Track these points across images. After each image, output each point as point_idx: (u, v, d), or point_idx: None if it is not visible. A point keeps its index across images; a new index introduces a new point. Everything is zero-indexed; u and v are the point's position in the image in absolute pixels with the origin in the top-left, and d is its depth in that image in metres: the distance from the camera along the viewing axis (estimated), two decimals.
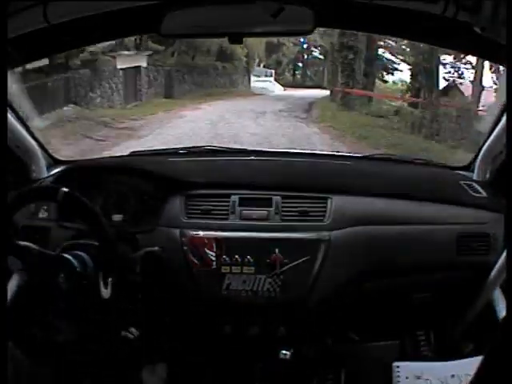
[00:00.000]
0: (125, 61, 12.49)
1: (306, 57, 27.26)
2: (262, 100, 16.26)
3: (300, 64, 27.70)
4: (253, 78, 21.47)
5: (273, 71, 23.90)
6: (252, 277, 1.34)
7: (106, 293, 1.19)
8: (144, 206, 1.47)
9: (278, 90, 21.80)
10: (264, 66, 24.27)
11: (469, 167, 1.64)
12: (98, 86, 11.60)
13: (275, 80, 23.44)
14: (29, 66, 7.02)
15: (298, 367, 1.47)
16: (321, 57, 25.15)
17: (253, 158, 1.66)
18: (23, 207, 1.26)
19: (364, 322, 1.55)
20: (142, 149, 1.93)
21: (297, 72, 27.91)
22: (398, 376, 1.39)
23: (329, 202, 1.43)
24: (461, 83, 15.17)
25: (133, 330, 1.37)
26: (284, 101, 15.54)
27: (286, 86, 23.49)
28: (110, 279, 1.19)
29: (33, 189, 1.39)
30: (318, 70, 26.19)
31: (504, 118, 1.35)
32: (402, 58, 16.75)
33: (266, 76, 23.32)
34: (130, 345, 1.38)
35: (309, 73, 27.48)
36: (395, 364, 1.41)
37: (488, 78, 12.60)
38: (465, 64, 15.27)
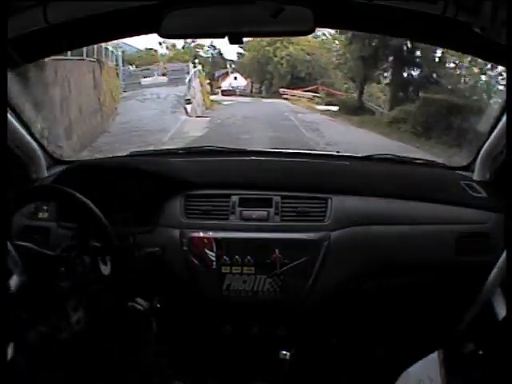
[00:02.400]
0: None
1: None
2: None
3: None
4: None
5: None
6: (252, 277, 1.34)
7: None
8: (144, 206, 1.46)
9: None
10: None
11: (469, 167, 1.64)
12: None
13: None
14: None
15: (297, 367, 1.47)
16: None
17: (253, 158, 1.66)
18: (23, 207, 1.26)
19: (364, 321, 1.55)
20: (142, 149, 1.93)
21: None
22: None
23: (329, 202, 1.43)
24: None
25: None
26: None
27: None
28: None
29: (33, 188, 1.39)
30: None
31: (504, 118, 1.35)
32: None
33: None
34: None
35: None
36: None
37: None
38: None
